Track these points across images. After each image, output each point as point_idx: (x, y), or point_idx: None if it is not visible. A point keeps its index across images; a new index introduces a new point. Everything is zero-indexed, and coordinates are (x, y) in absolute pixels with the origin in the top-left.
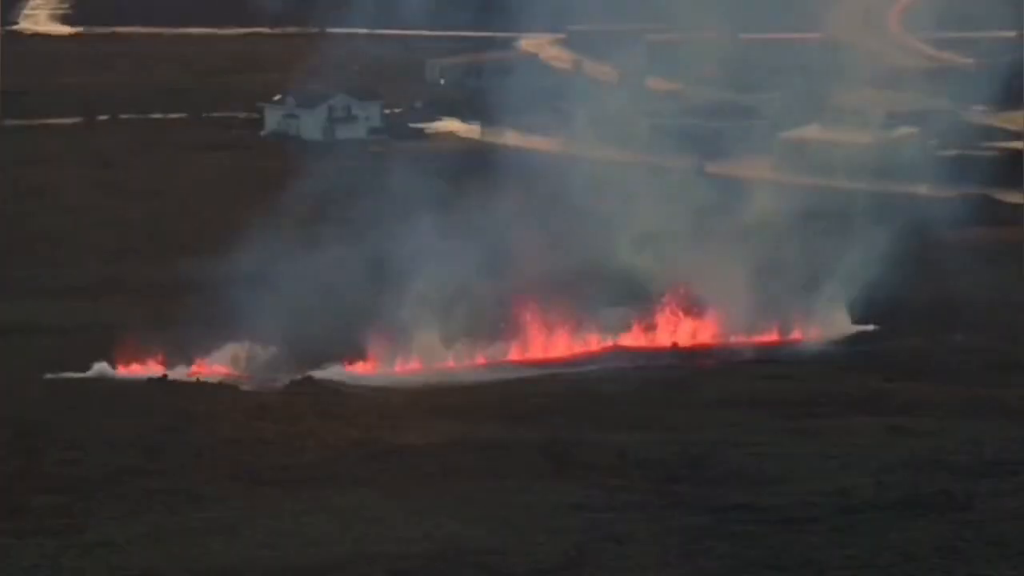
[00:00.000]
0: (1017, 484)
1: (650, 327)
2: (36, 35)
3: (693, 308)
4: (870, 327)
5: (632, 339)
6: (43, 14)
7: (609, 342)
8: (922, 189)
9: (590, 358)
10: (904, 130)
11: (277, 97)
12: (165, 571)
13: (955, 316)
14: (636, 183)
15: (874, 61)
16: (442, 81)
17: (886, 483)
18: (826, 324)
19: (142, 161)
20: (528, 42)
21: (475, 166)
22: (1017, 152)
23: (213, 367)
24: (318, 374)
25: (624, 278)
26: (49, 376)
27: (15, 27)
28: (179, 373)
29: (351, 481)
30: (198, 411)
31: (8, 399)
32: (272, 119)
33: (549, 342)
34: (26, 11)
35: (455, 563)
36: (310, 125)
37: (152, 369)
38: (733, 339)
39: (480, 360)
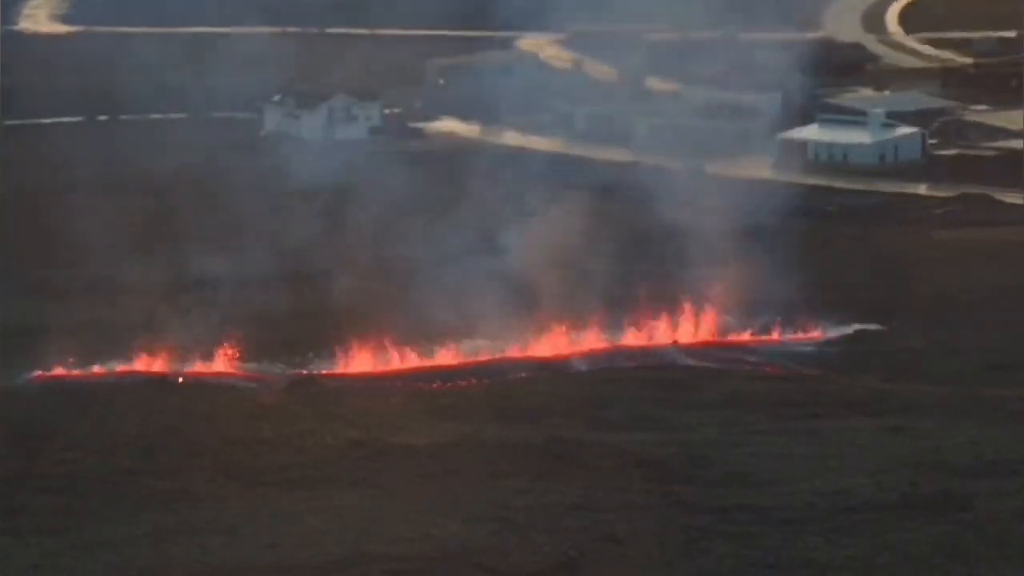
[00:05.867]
0: (1017, 484)
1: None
2: (36, 35)
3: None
4: (870, 327)
5: (632, 339)
6: (43, 14)
7: (609, 342)
8: (922, 189)
9: (590, 358)
10: (904, 130)
11: (277, 97)
12: (165, 571)
13: (955, 316)
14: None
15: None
16: (442, 81)
17: (886, 483)
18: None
19: (142, 161)
20: (528, 42)
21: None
22: (1017, 152)
23: None
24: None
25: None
26: (45, 375)
27: (15, 27)
28: (180, 373)
29: (351, 481)
30: (198, 411)
31: (8, 399)
32: (272, 119)
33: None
34: (26, 11)
35: (455, 563)
36: (310, 125)
37: (153, 369)
38: (733, 338)
39: (479, 359)
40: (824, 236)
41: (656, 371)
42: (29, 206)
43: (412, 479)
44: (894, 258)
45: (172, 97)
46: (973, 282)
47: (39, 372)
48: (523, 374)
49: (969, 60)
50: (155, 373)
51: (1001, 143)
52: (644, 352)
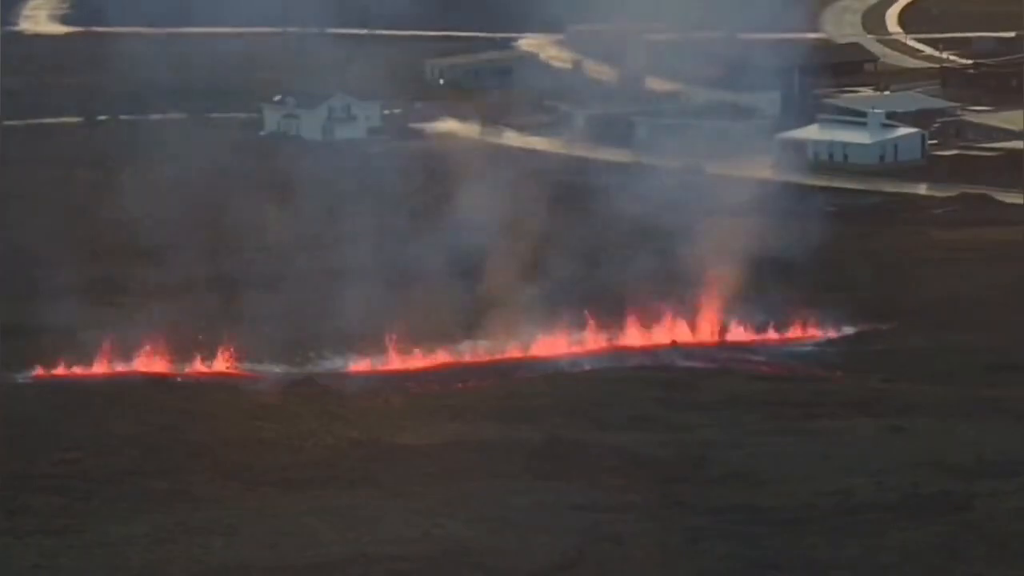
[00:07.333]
0: (1017, 484)
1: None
2: (36, 35)
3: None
4: (870, 327)
5: (632, 339)
6: (43, 14)
7: (609, 342)
8: (922, 189)
9: (590, 358)
10: (904, 130)
11: (277, 97)
12: (165, 571)
13: (955, 316)
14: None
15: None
16: (441, 81)
17: (886, 483)
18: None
19: (142, 161)
20: (528, 42)
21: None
22: (1017, 152)
23: None
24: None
25: None
26: (45, 375)
27: (15, 27)
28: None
29: (351, 481)
30: (198, 411)
31: (8, 399)
32: (272, 119)
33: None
34: (26, 11)
35: (455, 563)
36: (310, 125)
37: (153, 369)
38: (733, 338)
39: (480, 359)
40: (824, 236)
41: (656, 371)
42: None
43: (412, 479)
44: (894, 258)
45: (172, 97)
46: (973, 282)
47: (39, 372)
48: (523, 374)
49: (969, 60)
50: (155, 373)
51: (1001, 143)
52: (644, 352)
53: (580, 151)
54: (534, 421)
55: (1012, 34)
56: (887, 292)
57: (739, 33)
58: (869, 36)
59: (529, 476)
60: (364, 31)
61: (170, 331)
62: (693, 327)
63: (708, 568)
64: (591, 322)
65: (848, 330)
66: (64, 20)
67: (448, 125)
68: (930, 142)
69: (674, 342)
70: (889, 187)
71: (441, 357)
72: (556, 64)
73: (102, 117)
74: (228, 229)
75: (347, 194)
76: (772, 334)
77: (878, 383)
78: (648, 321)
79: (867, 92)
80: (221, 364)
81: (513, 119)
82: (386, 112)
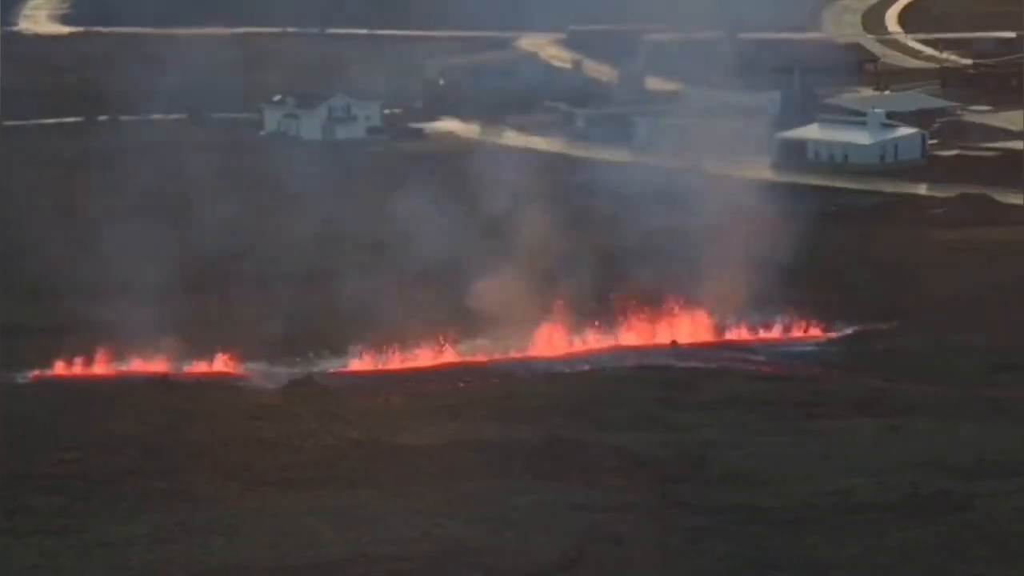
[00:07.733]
0: (1017, 484)
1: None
2: (36, 35)
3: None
4: (870, 327)
5: (632, 339)
6: (43, 14)
7: (609, 342)
8: (922, 189)
9: (590, 358)
10: (904, 130)
11: (277, 97)
12: (165, 571)
13: (955, 316)
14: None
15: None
16: (442, 81)
17: (886, 483)
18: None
19: (142, 161)
20: (528, 42)
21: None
22: (1017, 152)
23: None
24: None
25: None
26: (45, 375)
27: (15, 27)
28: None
29: (351, 481)
30: (198, 411)
31: (8, 399)
32: (272, 119)
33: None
34: (26, 11)
35: (455, 563)
36: (310, 125)
37: (153, 369)
38: (733, 338)
39: (480, 359)
40: (824, 236)
41: (656, 371)
42: None
43: (412, 479)
44: (894, 258)
45: (172, 98)
46: (973, 282)
47: (39, 372)
48: (523, 374)
49: (969, 60)
50: (155, 373)
51: (1001, 143)
52: (644, 352)
53: (580, 151)
54: (534, 421)
55: (1012, 34)
56: (887, 292)
57: (739, 33)
58: (869, 36)
59: (529, 476)
60: (364, 31)
61: (170, 331)
62: (693, 327)
63: (708, 568)
64: (591, 322)
65: (848, 330)
66: (64, 20)
67: (448, 125)
68: (930, 142)
69: (674, 342)
70: (889, 187)
71: (441, 357)
72: (556, 64)
73: (102, 117)
74: (228, 229)
75: (347, 193)
76: (772, 334)
77: (878, 383)
78: (648, 321)
79: (867, 92)
80: (221, 364)
81: (513, 119)
82: (386, 112)
